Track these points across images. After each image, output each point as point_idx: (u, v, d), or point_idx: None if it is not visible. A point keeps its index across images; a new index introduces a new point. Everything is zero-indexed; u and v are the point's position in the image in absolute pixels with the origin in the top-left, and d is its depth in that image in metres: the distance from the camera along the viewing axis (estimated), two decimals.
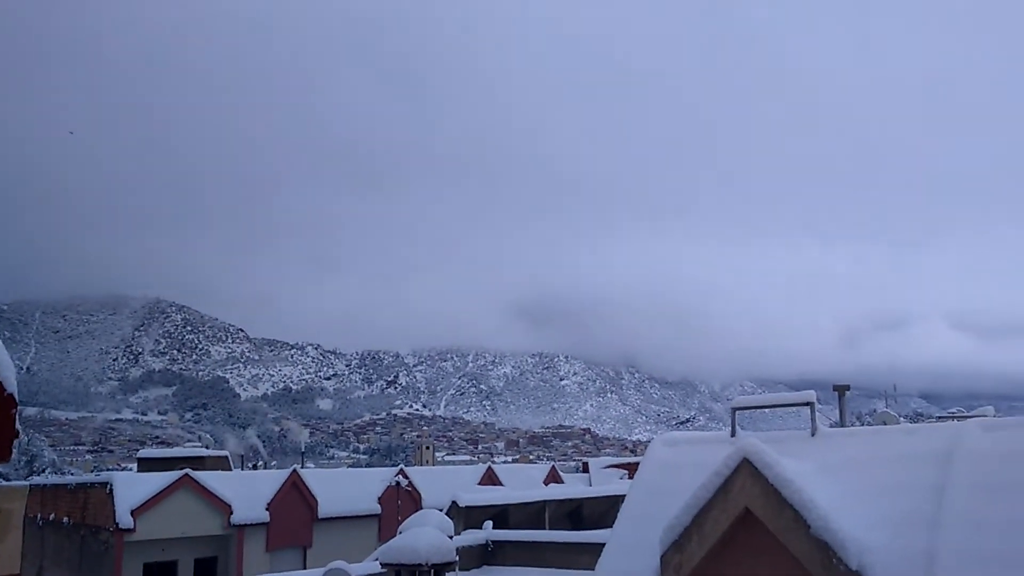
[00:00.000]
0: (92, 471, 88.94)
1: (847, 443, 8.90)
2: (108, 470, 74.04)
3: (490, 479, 43.83)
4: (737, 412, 9.82)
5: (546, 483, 43.50)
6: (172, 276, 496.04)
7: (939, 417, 36.79)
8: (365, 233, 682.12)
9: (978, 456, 7.79)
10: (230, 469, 45.57)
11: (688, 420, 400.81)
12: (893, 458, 8.31)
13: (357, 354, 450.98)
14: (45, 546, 37.20)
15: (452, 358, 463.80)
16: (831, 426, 10.56)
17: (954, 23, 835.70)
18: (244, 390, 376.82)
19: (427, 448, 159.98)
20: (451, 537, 14.12)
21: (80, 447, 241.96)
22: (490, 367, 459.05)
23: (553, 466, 52.55)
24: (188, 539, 34.37)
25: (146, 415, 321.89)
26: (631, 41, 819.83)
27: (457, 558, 13.15)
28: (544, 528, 24.65)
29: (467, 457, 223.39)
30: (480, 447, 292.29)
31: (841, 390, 13.55)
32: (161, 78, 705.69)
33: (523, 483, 40.66)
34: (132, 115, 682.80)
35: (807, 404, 9.39)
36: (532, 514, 25.48)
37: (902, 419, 33.74)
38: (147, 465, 42.80)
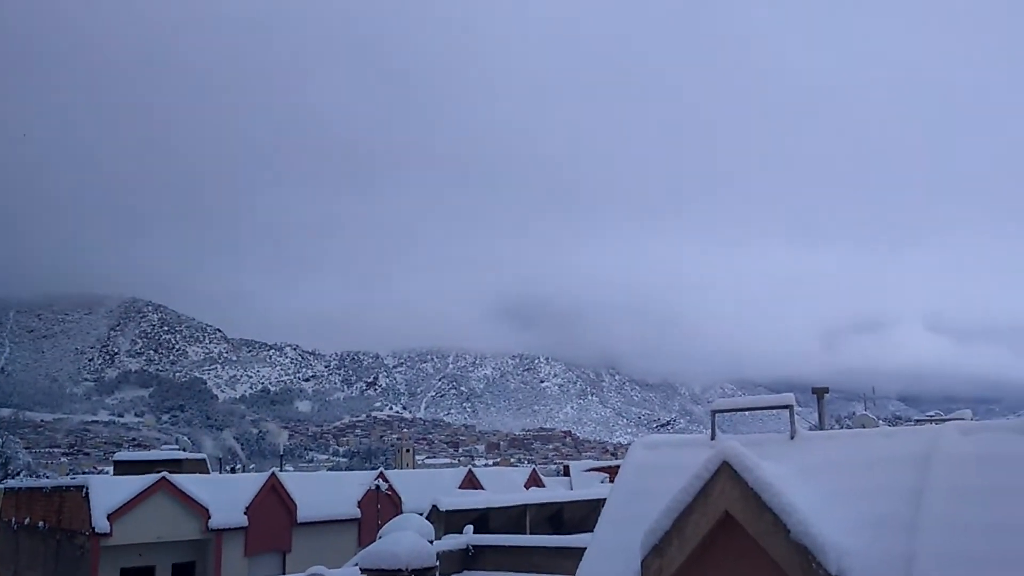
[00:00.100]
0: (68, 474, 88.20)
1: (826, 446, 8.94)
2: (84, 473, 73.28)
3: (471, 482, 43.74)
4: (717, 415, 9.86)
5: (527, 486, 43.43)
6: (148, 275, 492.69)
7: (917, 420, 37.08)
8: (345, 233, 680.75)
9: (956, 459, 7.84)
10: (208, 472, 45.32)
11: (669, 423, 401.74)
12: (872, 461, 8.36)
13: (336, 355, 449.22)
14: (20, 551, 36.83)
15: (432, 359, 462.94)
16: (810, 429, 10.61)
17: (938, 28, 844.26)
18: (222, 391, 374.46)
19: (407, 451, 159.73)
20: (431, 542, 14.08)
21: (55, 449, 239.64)
22: (470, 369, 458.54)
23: (534, 469, 52.53)
24: (165, 544, 34.10)
25: (122, 416, 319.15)
26: (621, 44, 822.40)
27: (437, 563, 13.12)
28: (525, 532, 24.65)
29: (447, 460, 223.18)
30: (461, 450, 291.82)
31: (820, 393, 13.62)
32: (141, 75, 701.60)
33: (504, 486, 40.60)
34: (112, 113, 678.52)
35: (786, 407, 9.43)
36: (513, 518, 25.46)
37: (881, 422, 33.99)
38: (123, 468, 42.45)
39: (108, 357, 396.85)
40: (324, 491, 40.52)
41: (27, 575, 35.78)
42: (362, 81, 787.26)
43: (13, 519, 36.70)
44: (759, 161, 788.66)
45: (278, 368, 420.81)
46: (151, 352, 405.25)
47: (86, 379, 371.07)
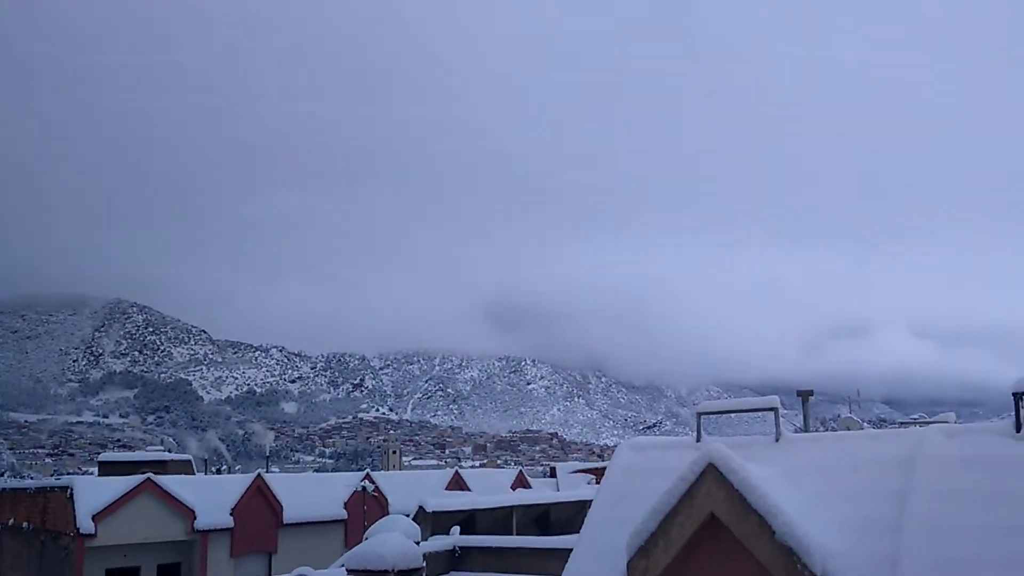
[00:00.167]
0: (52, 475, 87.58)
1: (811, 448, 9.00)
2: (68, 474, 72.88)
3: (457, 484, 43.70)
4: (703, 417, 9.91)
5: (513, 488, 43.41)
6: (133, 276, 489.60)
7: (901, 423, 37.36)
8: (331, 235, 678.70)
9: (940, 462, 7.91)
10: (193, 473, 45.15)
11: (655, 425, 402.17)
12: (856, 464, 8.42)
13: (323, 356, 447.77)
14: (4, 552, 36.59)
15: (419, 361, 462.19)
16: (795, 431, 10.68)
17: (914, 30, 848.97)
18: (207, 392, 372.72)
19: (394, 452, 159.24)
20: (418, 543, 14.08)
21: (40, 450, 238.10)
22: (457, 370, 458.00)
23: (520, 471, 52.58)
24: (150, 545, 33.96)
25: (107, 417, 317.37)
26: (599, 45, 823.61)
27: (424, 564, 13.11)
28: (512, 533, 24.67)
29: (434, 462, 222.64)
30: (447, 451, 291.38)
31: (805, 395, 13.70)
32: (126, 75, 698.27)
33: (490, 488, 40.58)
34: (96, 113, 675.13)
35: (771, 409, 9.50)
36: (499, 519, 25.48)
37: (865, 424, 34.21)
38: (108, 469, 42.26)
39: (93, 358, 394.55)
40: (310, 492, 40.43)
41: None
42: (347, 83, 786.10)
43: None
44: (745, 164, 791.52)
45: (264, 369, 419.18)
46: (136, 353, 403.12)
47: (70, 380, 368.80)
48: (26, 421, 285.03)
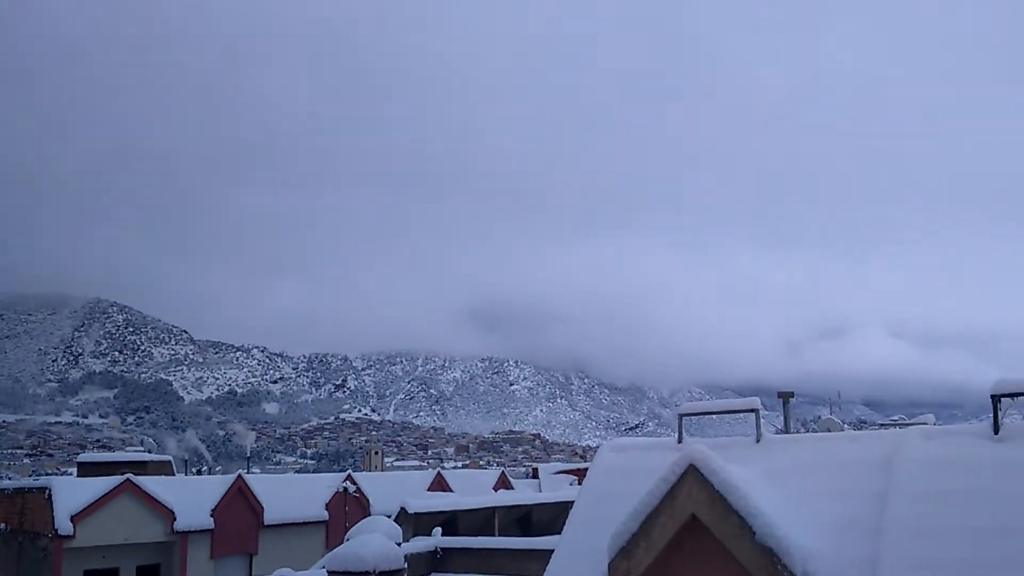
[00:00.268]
0: (30, 475, 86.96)
1: (791, 450, 9.03)
2: (47, 475, 72.28)
3: (440, 485, 43.69)
4: (684, 418, 9.94)
5: (496, 489, 43.45)
6: (114, 276, 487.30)
7: (881, 424, 37.62)
8: (314, 235, 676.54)
9: (919, 464, 7.95)
10: (173, 474, 44.88)
11: (637, 426, 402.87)
12: (837, 465, 8.45)
13: (304, 357, 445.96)
14: None
15: (401, 362, 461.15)
16: (776, 433, 10.72)
17: (902, 29, 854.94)
18: (188, 393, 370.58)
19: (376, 453, 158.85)
20: (399, 544, 14.05)
21: (18, 451, 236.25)
22: (440, 371, 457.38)
23: (503, 472, 52.64)
24: (130, 546, 33.76)
25: (86, 418, 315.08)
26: (583, 48, 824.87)
27: (405, 565, 13.09)
28: (494, 535, 24.66)
29: (416, 462, 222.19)
30: (430, 452, 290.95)
31: (785, 397, 13.73)
32: (108, 74, 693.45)
33: (473, 489, 40.59)
34: (77, 112, 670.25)
35: (752, 411, 9.53)
36: (482, 520, 25.47)
37: (846, 426, 34.38)
38: (87, 470, 41.94)
39: (72, 358, 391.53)
40: (291, 493, 40.31)
41: None
42: (328, 85, 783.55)
43: None
44: (728, 166, 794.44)
45: (245, 370, 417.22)
46: (116, 353, 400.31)
47: (49, 380, 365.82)
48: (4, 421, 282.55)
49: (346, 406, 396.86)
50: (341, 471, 45.84)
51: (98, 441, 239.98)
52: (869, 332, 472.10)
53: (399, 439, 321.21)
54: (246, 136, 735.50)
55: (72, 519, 31.62)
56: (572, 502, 10.24)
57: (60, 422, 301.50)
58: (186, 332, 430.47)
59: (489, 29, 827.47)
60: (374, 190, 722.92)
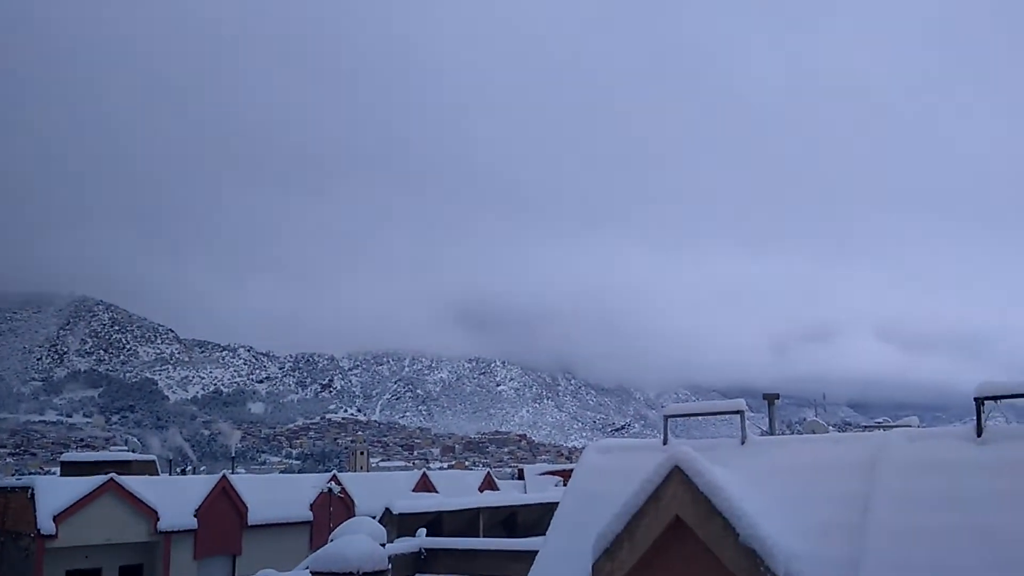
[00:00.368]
0: (13, 475, 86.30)
1: (776, 451, 9.05)
2: (30, 474, 71.87)
3: (425, 486, 43.66)
4: (670, 420, 9.95)
5: (481, 490, 43.46)
6: (100, 274, 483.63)
7: (866, 427, 37.73)
8: (300, 234, 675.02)
9: (902, 466, 7.97)
10: (157, 474, 44.70)
11: (624, 427, 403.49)
12: (821, 467, 8.48)
13: (291, 357, 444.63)
14: None
15: (388, 362, 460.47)
16: (761, 434, 10.75)
17: (888, 33, 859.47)
18: (173, 392, 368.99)
19: (361, 454, 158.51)
20: (384, 545, 14.01)
21: (1, 449, 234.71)
22: (426, 372, 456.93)
23: (488, 473, 52.67)
24: (113, 546, 33.59)
25: (70, 417, 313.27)
26: (568, 48, 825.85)
27: (389, 566, 13.04)
28: (479, 535, 24.64)
29: (402, 463, 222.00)
30: (416, 453, 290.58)
31: (770, 399, 13.78)
32: (94, 72, 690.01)
33: (458, 490, 40.57)
34: (63, 109, 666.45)
35: (737, 412, 9.55)
36: (466, 521, 25.45)
37: (831, 428, 34.49)
38: (70, 469, 41.71)
39: (57, 356, 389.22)
40: (276, 494, 40.20)
41: None
42: (319, 83, 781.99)
43: None
44: (715, 168, 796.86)
45: (231, 369, 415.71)
46: (101, 352, 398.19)
47: (34, 378, 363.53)
48: None
49: (332, 406, 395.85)
50: (326, 471, 45.74)
51: (82, 440, 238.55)
52: (855, 335, 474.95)
53: (385, 439, 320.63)
54: (234, 135, 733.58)
55: (55, 519, 31.43)
56: (557, 503, 10.23)
57: (44, 421, 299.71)
58: (172, 331, 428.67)
59: (474, 28, 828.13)
60: (362, 190, 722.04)
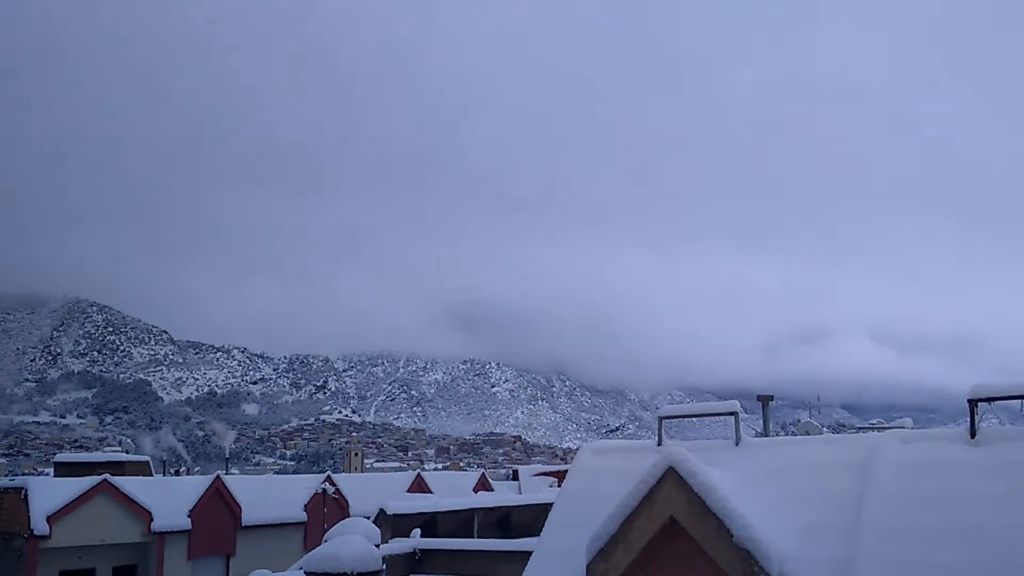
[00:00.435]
0: (6, 475, 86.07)
1: (770, 452, 9.08)
2: (23, 474, 71.66)
3: (419, 486, 43.64)
4: (664, 421, 9.98)
5: (476, 491, 43.46)
6: (93, 275, 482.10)
7: (859, 428, 37.81)
8: (294, 235, 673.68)
9: (896, 467, 8.00)
10: (151, 475, 44.59)
11: (618, 428, 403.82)
12: (814, 468, 8.51)
13: (285, 358, 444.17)
14: None
15: (383, 363, 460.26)
16: (756, 436, 10.77)
17: (883, 35, 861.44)
18: (167, 393, 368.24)
19: (356, 455, 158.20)
20: (378, 546, 14.00)
21: None
22: (421, 373, 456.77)
23: (483, 473, 52.66)
24: (106, 546, 33.52)
25: (64, 418, 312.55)
26: (563, 48, 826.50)
27: (384, 567, 13.03)
28: (473, 536, 24.63)
29: (397, 464, 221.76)
30: (410, 454, 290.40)
31: (765, 400, 13.80)
32: (86, 72, 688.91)
33: (453, 490, 40.55)
34: (55, 109, 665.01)
35: (732, 414, 9.58)
36: (461, 522, 25.43)
37: (824, 429, 34.60)
38: (64, 470, 41.62)
39: (51, 358, 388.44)
40: (270, 494, 40.14)
41: None
42: (314, 84, 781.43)
43: None
44: (711, 170, 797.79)
45: (225, 370, 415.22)
46: (95, 353, 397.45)
47: (27, 380, 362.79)
48: None
49: (327, 407, 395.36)
50: (321, 472, 45.67)
51: (75, 441, 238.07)
52: (849, 336, 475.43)
53: (379, 440, 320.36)
54: (228, 135, 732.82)
55: (48, 519, 31.36)
56: (552, 504, 10.24)
57: (37, 422, 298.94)
58: (166, 332, 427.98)
59: (466, 30, 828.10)
60: (356, 190, 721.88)
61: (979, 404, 8.07)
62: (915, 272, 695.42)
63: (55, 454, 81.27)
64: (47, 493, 32.48)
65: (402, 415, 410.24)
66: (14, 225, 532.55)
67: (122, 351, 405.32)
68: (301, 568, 13.84)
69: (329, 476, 42.34)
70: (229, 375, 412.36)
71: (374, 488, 41.05)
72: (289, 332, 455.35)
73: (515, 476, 52.16)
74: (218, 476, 38.32)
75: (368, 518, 18.70)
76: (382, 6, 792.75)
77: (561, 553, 8.81)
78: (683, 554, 7.77)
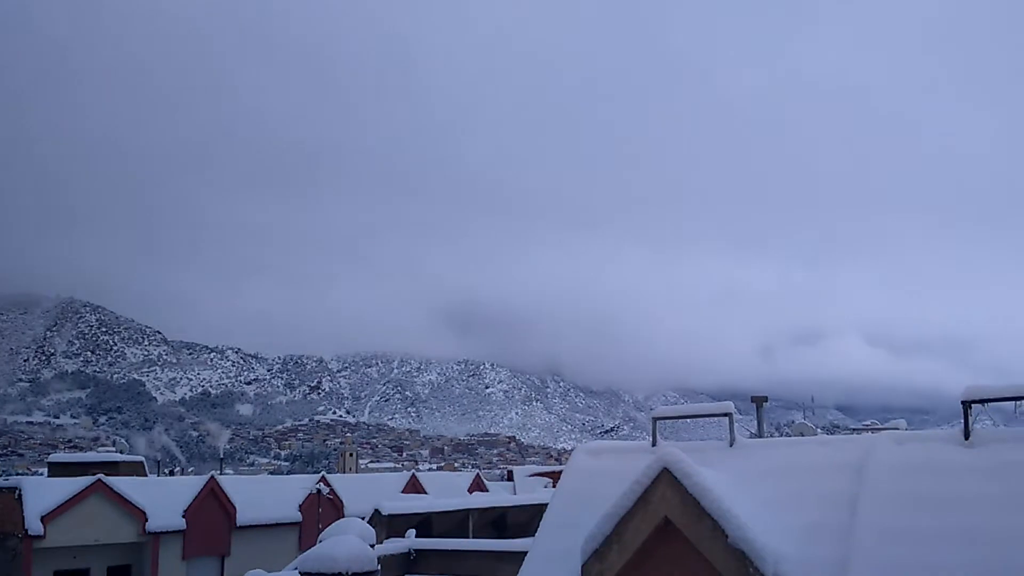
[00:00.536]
0: (0, 476, 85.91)
1: (764, 453, 9.11)
2: (17, 475, 71.47)
3: (414, 487, 43.61)
4: (659, 422, 10.00)
5: (471, 491, 43.44)
6: (87, 275, 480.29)
7: (854, 429, 37.90)
8: (289, 235, 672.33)
9: (890, 468, 8.04)
10: (145, 475, 44.54)
11: (613, 429, 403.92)
12: (809, 468, 8.54)
13: (279, 358, 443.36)
14: None
15: (377, 364, 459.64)
16: (750, 437, 10.80)
17: (878, 36, 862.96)
18: (161, 394, 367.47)
19: (350, 455, 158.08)
20: (373, 546, 14.00)
21: None
22: (415, 374, 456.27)
23: (478, 474, 52.69)
24: (101, 546, 33.47)
25: (58, 418, 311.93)
26: (554, 51, 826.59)
27: (378, 567, 13.04)
28: (468, 536, 24.64)
29: (391, 464, 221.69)
30: (405, 454, 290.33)
31: (759, 401, 13.82)
32: (81, 73, 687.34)
33: (447, 491, 40.55)
34: (50, 110, 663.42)
35: (726, 415, 9.61)
36: (456, 523, 25.44)
37: (819, 430, 34.68)
38: (58, 470, 41.53)
39: (44, 358, 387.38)
40: (264, 495, 40.09)
41: None
42: (307, 85, 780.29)
43: None
44: (705, 172, 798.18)
45: (219, 371, 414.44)
46: (88, 353, 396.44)
47: (21, 380, 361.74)
48: None
49: (321, 408, 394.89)
50: (315, 473, 45.62)
51: (69, 441, 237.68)
52: (844, 338, 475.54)
53: (374, 441, 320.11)
54: (221, 138, 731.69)
55: (42, 519, 31.30)
56: (546, 504, 10.26)
57: (31, 422, 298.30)
58: (160, 333, 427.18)
59: (465, 31, 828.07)
60: (350, 192, 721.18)
61: (973, 406, 8.10)
62: (910, 273, 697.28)
63: (49, 454, 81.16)
64: (41, 493, 32.42)
65: (396, 416, 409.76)
66: (7, 225, 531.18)
67: (116, 351, 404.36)
68: (296, 568, 13.83)
69: (324, 476, 42.30)
70: (223, 375, 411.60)
71: (369, 488, 41.01)
72: (283, 333, 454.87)
73: (510, 477, 52.18)
74: (212, 476, 38.26)
75: (363, 518, 18.70)
76: (381, 7, 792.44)
77: (556, 553, 8.83)
78: (678, 555, 7.80)
